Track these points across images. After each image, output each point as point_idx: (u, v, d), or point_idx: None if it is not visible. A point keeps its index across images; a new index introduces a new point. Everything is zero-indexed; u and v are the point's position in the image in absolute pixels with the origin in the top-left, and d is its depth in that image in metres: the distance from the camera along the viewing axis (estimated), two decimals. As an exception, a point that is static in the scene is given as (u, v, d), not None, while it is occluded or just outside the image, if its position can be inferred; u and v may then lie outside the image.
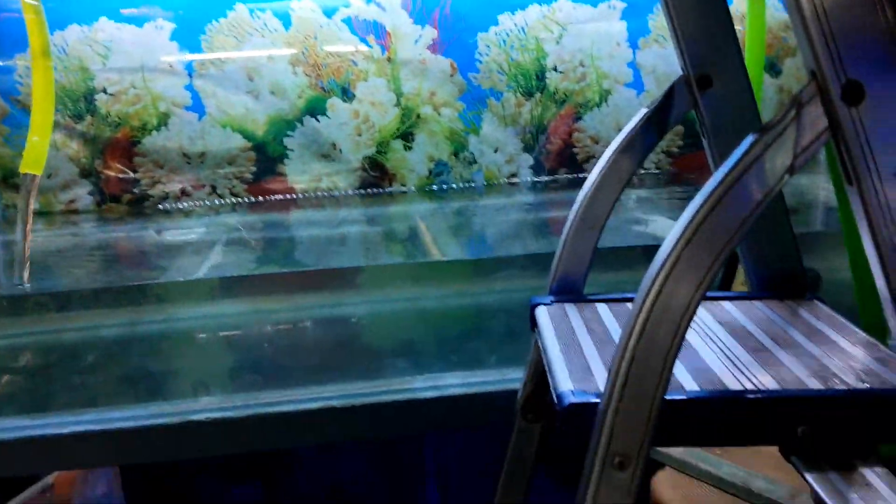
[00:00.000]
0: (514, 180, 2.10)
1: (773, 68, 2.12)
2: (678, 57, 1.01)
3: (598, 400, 0.68)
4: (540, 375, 1.07)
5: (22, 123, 1.84)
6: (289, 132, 2.01)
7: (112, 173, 1.97)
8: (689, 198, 0.63)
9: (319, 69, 1.98)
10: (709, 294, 1.08)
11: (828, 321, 0.93)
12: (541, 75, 2.05)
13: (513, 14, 2.03)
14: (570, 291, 1.06)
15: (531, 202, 1.97)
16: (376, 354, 1.40)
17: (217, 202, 2.01)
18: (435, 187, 2.08)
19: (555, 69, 2.05)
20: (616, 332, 0.91)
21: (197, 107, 1.97)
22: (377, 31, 1.99)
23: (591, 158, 2.11)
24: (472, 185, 2.09)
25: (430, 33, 2.00)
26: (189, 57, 1.96)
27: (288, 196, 2.04)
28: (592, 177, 1.04)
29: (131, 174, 1.97)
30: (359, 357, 1.39)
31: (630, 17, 2.05)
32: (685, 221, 0.62)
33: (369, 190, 2.06)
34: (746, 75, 1.01)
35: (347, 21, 1.99)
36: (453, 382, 1.26)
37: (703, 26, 0.99)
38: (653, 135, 1.03)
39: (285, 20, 1.98)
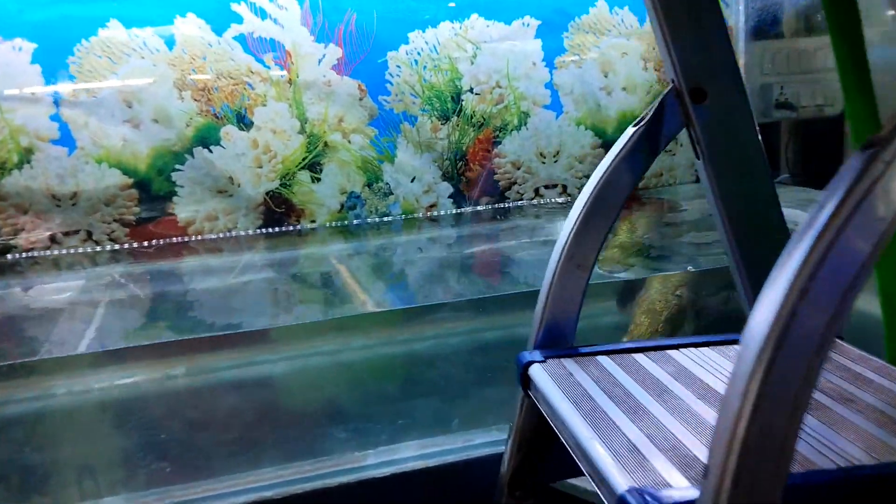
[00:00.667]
0: (434, 212, 1.94)
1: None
2: (669, 68, 0.88)
3: (684, 499, 0.52)
4: (529, 445, 0.91)
5: None
6: (177, 166, 1.76)
7: (-39, 221, 1.65)
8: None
9: (210, 94, 1.75)
10: (714, 339, 0.96)
11: (863, 363, 0.81)
12: (456, 97, 1.91)
13: (424, 31, 1.88)
14: (558, 342, 0.90)
15: (456, 236, 1.80)
16: (307, 423, 1.19)
17: (94, 250, 1.73)
18: (348, 222, 1.88)
19: (471, 91, 1.91)
20: (639, 391, 0.75)
21: (66, 140, 1.68)
22: (275, 50, 1.79)
23: (514, 185, 1.98)
24: (389, 218, 1.91)
25: (334, 52, 1.82)
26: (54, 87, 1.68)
27: (178, 240, 1.78)
28: (578, 209, 0.89)
29: (-14, 221, 1.66)
30: (287, 429, 1.17)
31: (545, 35, 1.94)
32: (799, 261, 0.47)
33: (274, 229, 1.84)
34: (742, 87, 0.89)
35: (241, 39, 1.78)
36: (409, 455, 1.07)
37: (696, 34, 0.87)
38: (644, 156, 0.89)
39: (168, 39, 1.74)
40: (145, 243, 1.76)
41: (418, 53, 1.87)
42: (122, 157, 1.72)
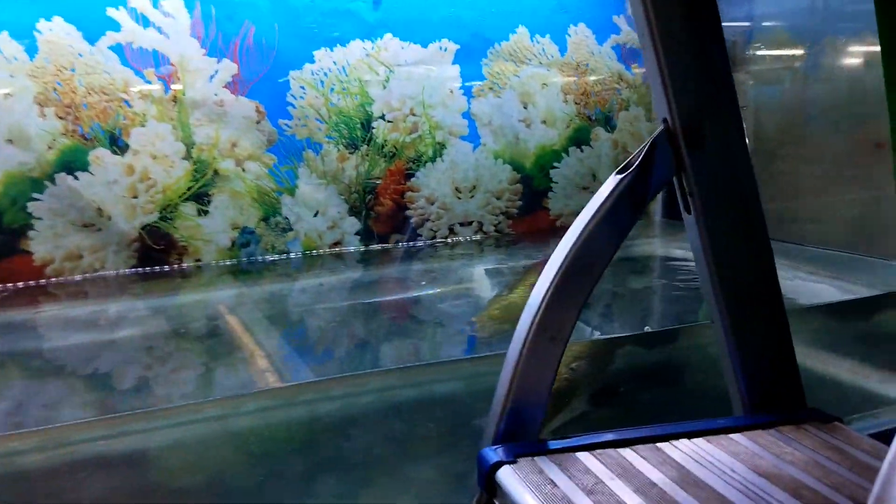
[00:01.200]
0: (339, 249, 1.73)
1: (608, 122, 1.98)
2: (661, 106, 0.73)
3: None
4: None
5: None
6: (35, 194, 1.48)
7: None
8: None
9: (78, 111, 1.49)
10: (706, 426, 0.81)
11: (872, 452, 0.68)
12: (366, 124, 1.72)
13: (331, 50, 1.68)
14: (524, 432, 0.73)
15: (365, 280, 1.60)
16: None
17: (-76, 292, 1.42)
18: (239, 261, 1.65)
19: (382, 117, 1.73)
20: (633, 496, 0.60)
21: None
22: (158, 64, 1.55)
23: (427, 222, 1.81)
24: (287, 257, 1.69)
25: (228, 68, 1.60)
26: None
27: (34, 283, 1.50)
28: (552, 271, 0.73)
29: None
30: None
31: (463, 61, 1.79)
32: None
33: (151, 268, 1.58)
34: (743, 133, 0.76)
35: (117, 49, 1.52)
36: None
37: (697, 69, 0.73)
38: (631, 209, 0.74)
39: (30, 46, 1.46)
40: (-8, 285, 1.47)
41: (325, 74, 1.68)
42: (-36, 181, 1.43)
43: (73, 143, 1.49)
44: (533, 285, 1.43)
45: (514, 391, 0.72)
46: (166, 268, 1.59)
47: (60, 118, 1.48)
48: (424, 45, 1.76)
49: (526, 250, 1.79)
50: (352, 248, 1.74)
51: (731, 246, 0.77)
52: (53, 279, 1.51)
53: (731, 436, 0.73)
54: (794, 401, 0.81)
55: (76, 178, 1.50)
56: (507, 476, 0.66)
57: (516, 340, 0.74)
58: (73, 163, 1.50)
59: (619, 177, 0.73)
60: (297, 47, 1.65)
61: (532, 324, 0.72)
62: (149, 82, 1.54)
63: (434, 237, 1.82)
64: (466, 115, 1.81)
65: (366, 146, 1.72)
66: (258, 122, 1.63)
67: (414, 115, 1.76)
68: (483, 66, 1.82)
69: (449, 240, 1.83)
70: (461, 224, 1.84)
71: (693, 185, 0.74)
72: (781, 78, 1.73)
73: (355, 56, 1.70)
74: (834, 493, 0.62)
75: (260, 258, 1.66)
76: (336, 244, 1.73)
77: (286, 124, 1.65)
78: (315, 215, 1.70)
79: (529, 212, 1.92)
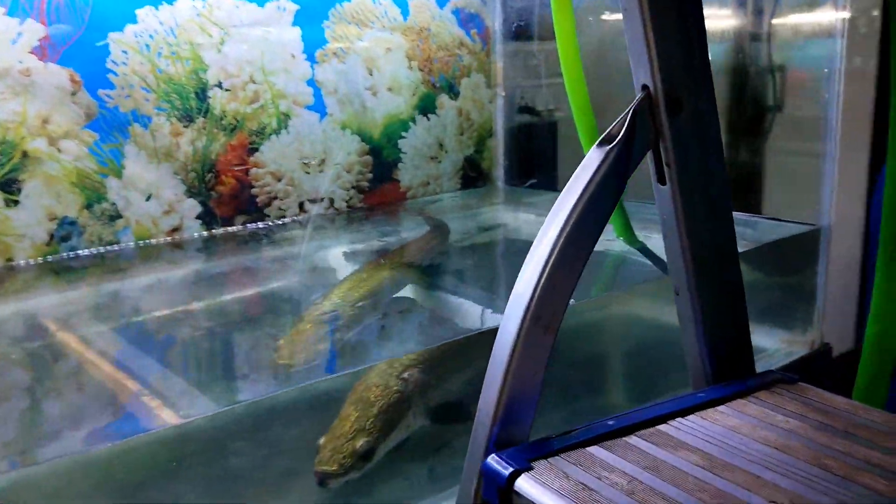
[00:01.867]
0: (178, 236, 1.53)
1: (451, 89, 1.93)
2: (643, 73, 0.69)
3: None
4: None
5: None
6: None
7: None
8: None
9: None
10: (689, 402, 0.79)
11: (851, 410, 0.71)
12: (202, 93, 1.53)
13: (157, 8, 1.46)
14: (517, 435, 0.67)
15: (209, 270, 1.43)
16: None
17: None
18: (61, 256, 1.40)
19: (219, 85, 1.55)
20: (671, 489, 0.56)
21: None
22: (-60, 22, 1.25)
23: (275, 200, 1.65)
24: (118, 247, 1.46)
25: (35, 31, 1.33)
26: None
27: None
28: (543, 254, 0.66)
29: None
30: None
31: (304, 23, 1.64)
32: None
33: (-51, 273, 1.29)
34: (715, 102, 0.74)
35: None
36: None
37: (680, 37, 0.69)
38: (617, 181, 0.69)
39: None
40: None
41: (150, 36, 1.45)
42: None
43: None
44: (352, 289, 1.25)
45: (507, 391, 0.66)
46: (-32, 271, 1.31)
47: None
48: (261, 5, 1.58)
49: (380, 226, 1.70)
50: (193, 234, 1.55)
51: (701, 217, 0.75)
52: None
53: (719, 408, 0.72)
54: (748, 368, 0.82)
55: None
56: (530, 485, 0.60)
57: (505, 334, 0.67)
58: None
59: (603, 149, 0.68)
60: (115, 5, 1.41)
61: (525, 315, 0.65)
62: (-73, 44, 1.24)
63: (283, 216, 1.67)
64: (311, 82, 1.67)
65: (202, 118, 1.53)
66: (74, 94, 1.38)
67: (254, 82, 1.58)
68: (325, 30, 1.68)
69: (300, 217, 1.69)
70: (311, 201, 1.71)
71: (671, 154, 0.71)
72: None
73: (184, 16, 1.49)
74: (847, 458, 0.62)
75: (85, 251, 1.43)
76: (174, 231, 1.53)
77: (107, 95, 1.42)
78: (148, 199, 1.49)
79: (380, 184, 1.82)
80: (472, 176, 2.01)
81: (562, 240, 0.65)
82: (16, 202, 1.34)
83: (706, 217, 0.74)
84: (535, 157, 2.18)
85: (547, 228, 0.66)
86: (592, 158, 0.68)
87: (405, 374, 1.06)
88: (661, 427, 0.68)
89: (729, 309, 0.79)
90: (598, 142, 0.68)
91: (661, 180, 0.72)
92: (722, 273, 0.78)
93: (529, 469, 0.61)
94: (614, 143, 0.67)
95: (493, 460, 0.64)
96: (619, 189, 0.68)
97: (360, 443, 0.96)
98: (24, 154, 1.34)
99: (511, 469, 0.61)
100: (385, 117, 1.80)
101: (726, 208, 0.76)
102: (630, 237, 1.47)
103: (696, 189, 0.73)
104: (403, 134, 1.84)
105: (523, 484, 0.60)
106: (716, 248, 0.76)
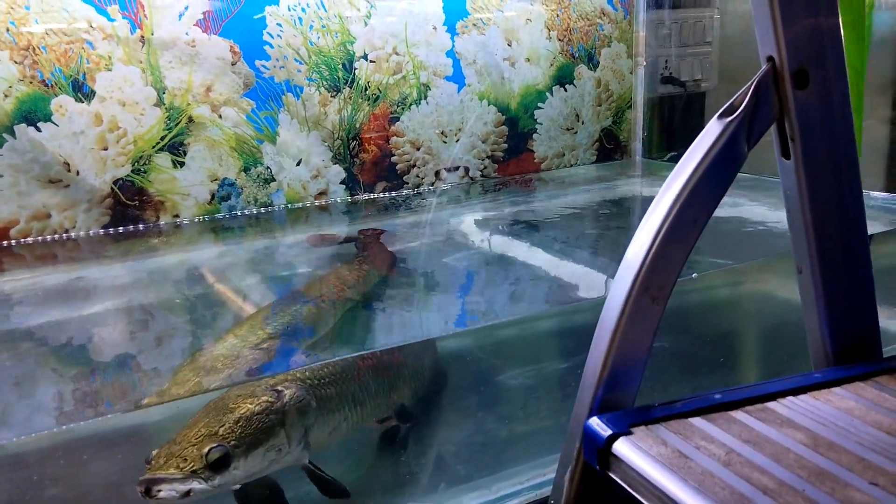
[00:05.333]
0: (324, 200, 1.64)
1: (590, 60, 1.92)
2: (769, 44, 0.68)
3: None
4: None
5: None
6: (-9, 148, 1.33)
7: None
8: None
9: (35, 54, 1.33)
10: (804, 381, 0.78)
11: None
12: (348, 65, 1.61)
13: (309, -16, 1.56)
14: (621, 401, 0.69)
15: (352, 232, 1.51)
16: None
17: None
18: (221, 216, 1.54)
19: (365, 57, 1.63)
20: (771, 464, 0.57)
21: None
22: (123, 0, 1.39)
23: (413, 168, 1.72)
24: (270, 209, 1.58)
25: (199, 5, 1.45)
26: None
27: (1, 243, 1.36)
28: (655, 223, 0.67)
29: None
30: None
31: (446, -6, 1.69)
32: None
33: (126, 227, 1.46)
34: (846, 75, 0.71)
35: (74, -16, 1.36)
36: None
37: (808, 11, 0.67)
38: (737, 155, 0.69)
39: (-29, -22, 1.29)
40: (-52, 251, 1.33)
41: (303, 10, 1.55)
42: None
43: (32, 91, 1.34)
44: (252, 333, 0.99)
45: (613, 357, 0.68)
46: (142, 226, 1.47)
47: (16, 63, 1.32)
48: (406, -22, 1.65)
49: (513, 196, 1.73)
50: (337, 199, 1.65)
51: (826, 194, 0.73)
52: (17, 241, 1.37)
53: (834, 390, 0.71)
54: (873, 352, 0.79)
55: (38, 129, 1.35)
56: (628, 449, 0.62)
57: (614, 300, 0.69)
58: (33, 113, 1.35)
59: (724, 121, 0.68)
60: (273, -19, 1.52)
61: (634, 283, 0.67)
62: (112, 20, 1.39)
63: (420, 184, 1.74)
64: (451, 53, 1.72)
65: (348, 88, 1.62)
66: (233, 64, 1.50)
67: (397, 54, 1.65)
68: (467, 1, 1.72)
69: (434, 187, 1.76)
70: (447, 170, 1.77)
71: (795, 129, 0.69)
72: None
73: (335, -10, 1.57)
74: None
75: (242, 212, 1.56)
76: (321, 195, 1.63)
77: (263, 66, 1.53)
78: (298, 164, 1.60)
79: (515, 155, 1.85)
80: (609, 148, 2.00)
81: (675, 210, 0.66)
82: (182, 164, 1.48)
83: (832, 194, 0.72)
84: (677, 130, 2.13)
85: (661, 197, 0.67)
86: (712, 130, 0.68)
87: (279, 387, 0.90)
88: (770, 404, 0.68)
89: (854, 290, 0.77)
90: (718, 113, 0.68)
91: (785, 154, 0.71)
92: (848, 252, 0.75)
93: (629, 433, 0.63)
94: (736, 114, 0.67)
95: (594, 422, 0.66)
96: (739, 162, 0.68)
97: (207, 447, 0.79)
98: (190, 119, 1.48)
99: (610, 432, 0.64)
100: (522, 88, 1.82)
101: (855, 186, 0.73)
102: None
103: (821, 165, 0.71)
104: (540, 105, 1.86)
105: (621, 447, 0.63)
106: (842, 226, 0.74)
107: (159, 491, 0.75)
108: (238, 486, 0.83)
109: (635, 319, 0.67)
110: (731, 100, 0.68)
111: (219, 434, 0.80)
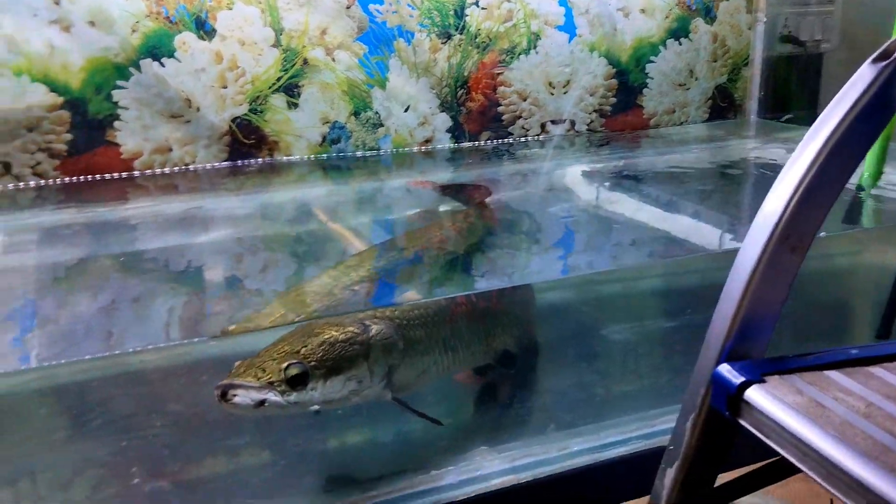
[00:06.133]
0: (430, 147, 1.65)
1: (707, 13, 1.84)
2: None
3: None
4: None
5: None
6: (119, 82, 1.39)
7: None
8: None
9: (162, -9, 1.38)
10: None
11: None
12: (460, 11, 1.60)
13: (425, -73, 1.55)
14: (751, 351, 0.67)
15: (457, 179, 1.52)
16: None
17: (13, 186, 1.35)
18: (329, 157, 1.57)
19: (476, 4, 1.61)
20: None
21: (-30, 42, 1.28)
22: (246, -60, 1.42)
23: (518, 119, 1.71)
24: (378, 153, 1.61)
25: (319, -53, 1.47)
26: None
27: (125, 174, 1.43)
28: (800, 170, 0.65)
29: None
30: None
31: (562, -60, 1.65)
32: None
33: (241, 162, 1.50)
34: None
35: (201, -77, 1.39)
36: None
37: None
38: (888, 102, 0.65)
39: (106, -85, 1.34)
40: (79, 178, 1.40)
41: (418, -46, 1.54)
42: (50, 69, 1.33)
43: (157, 27, 1.39)
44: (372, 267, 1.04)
45: (745, 306, 0.66)
46: (257, 163, 1.51)
47: (144, -1, 1.37)
48: (523, -76, 1.61)
49: (619, 151, 1.70)
50: (443, 146, 1.65)
51: None
52: (149, 172, 1.44)
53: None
54: None
55: (162, 65, 1.40)
56: (761, 396, 0.61)
57: (750, 248, 0.67)
58: (158, 48, 1.39)
59: (878, 66, 0.64)
60: (390, -77, 1.52)
61: (772, 232, 0.65)
62: (235, -39, 1.42)
63: (525, 135, 1.73)
64: (563, 2, 1.68)
65: (459, 35, 1.61)
66: (348, 8, 1.51)
67: (509, 1, 1.63)
68: (583, -52, 1.68)
69: (540, 137, 1.74)
70: (553, 122, 1.75)
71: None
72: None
73: (450, -66, 1.56)
74: None
75: (350, 154, 1.58)
76: (427, 142, 1.64)
77: (377, 10, 1.54)
78: (406, 110, 1.61)
79: (623, 110, 1.81)
80: (722, 106, 1.93)
81: (822, 158, 0.64)
82: (296, 105, 1.52)
83: None
84: (794, 91, 2.03)
85: (807, 144, 0.65)
86: (863, 76, 0.64)
87: (368, 322, 0.90)
88: (909, 361, 0.66)
89: None
90: (872, 58, 0.65)
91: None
92: None
93: (762, 381, 0.62)
94: (891, 59, 0.64)
95: (724, 370, 0.65)
96: (892, 109, 0.65)
97: (287, 363, 0.81)
98: (305, 61, 1.50)
99: (743, 379, 0.63)
100: (635, 40, 1.77)
101: None
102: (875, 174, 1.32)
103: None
104: (652, 58, 1.80)
105: (754, 394, 0.61)
106: None
107: (234, 396, 0.77)
108: (316, 409, 0.84)
109: (772, 269, 0.65)
110: (886, 44, 0.65)
111: (300, 353, 0.82)
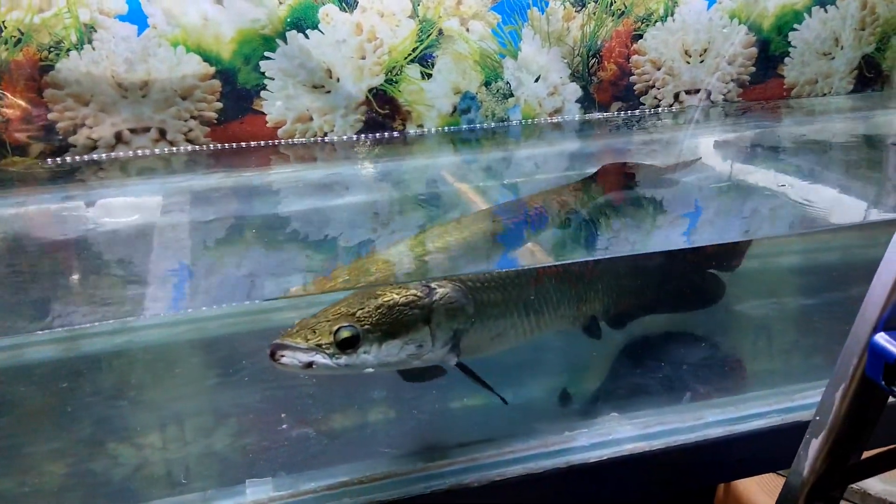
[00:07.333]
0: (559, 118, 1.65)
1: (859, -24, 1.74)
2: None
3: None
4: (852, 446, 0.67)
5: None
6: (267, 53, 1.46)
7: (12, 112, 1.37)
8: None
9: (306, -35, 1.44)
10: None
11: None
12: (595, -21, 1.59)
13: None
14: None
15: (583, 150, 1.51)
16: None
17: (167, 151, 1.45)
18: (460, 128, 1.60)
19: (612, -29, 1.59)
20: None
21: (135, 16, 1.38)
22: (386, -87, 1.45)
23: (651, 89, 1.68)
24: (506, 124, 1.62)
25: (456, -82, 1.48)
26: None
27: (265, 143, 1.51)
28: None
29: (41, 113, 1.38)
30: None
31: None
32: None
33: (376, 134, 1.55)
34: None
35: None
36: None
37: None
38: None
39: None
40: (226, 145, 1.49)
41: (555, -78, 1.53)
42: (203, 40, 1.42)
43: None
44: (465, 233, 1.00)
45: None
46: (390, 134, 1.56)
47: (290, -27, 1.43)
48: None
49: (755, 121, 1.64)
50: (573, 117, 1.65)
51: None
52: (284, 142, 1.51)
53: None
54: None
55: (306, 36, 1.46)
56: (924, 367, 0.59)
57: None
58: (303, 20, 1.46)
59: None
60: None
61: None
62: (375, -67, 1.46)
63: (658, 105, 1.70)
64: (703, -32, 1.63)
65: (594, 3, 1.59)
66: (484, -23, 1.53)
67: (646, -32, 1.60)
68: (725, -89, 1.62)
69: (673, 108, 1.70)
70: (687, 92, 1.70)
71: None
72: None
73: None
74: None
75: (480, 125, 1.60)
76: (556, 112, 1.64)
77: (511, -21, 1.54)
78: (536, 80, 1.61)
79: (762, 80, 1.75)
80: (869, 77, 1.82)
81: None
82: (429, 76, 1.55)
83: None
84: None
85: None
86: None
87: (434, 285, 0.87)
88: None
89: None
90: None
91: None
92: None
93: (923, 351, 0.60)
94: None
95: (882, 339, 0.63)
96: None
97: (338, 325, 0.79)
98: (440, 32, 1.53)
99: (901, 349, 0.61)
100: (778, 7, 1.69)
101: None
102: None
103: None
104: (796, 26, 1.72)
105: (914, 363, 0.60)
106: None
107: (283, 356, 0.77)
108: (371, 370, 0.82)
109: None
110: None
111: (355, 315, 0.80)
